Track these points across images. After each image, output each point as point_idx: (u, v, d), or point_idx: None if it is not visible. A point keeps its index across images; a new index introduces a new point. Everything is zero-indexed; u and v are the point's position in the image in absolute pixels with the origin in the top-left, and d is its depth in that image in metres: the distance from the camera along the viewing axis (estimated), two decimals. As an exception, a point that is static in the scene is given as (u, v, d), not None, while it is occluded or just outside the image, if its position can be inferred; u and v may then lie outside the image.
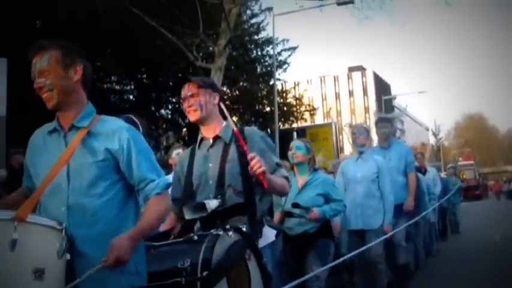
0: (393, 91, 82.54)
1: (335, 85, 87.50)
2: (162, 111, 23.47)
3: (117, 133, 2.45)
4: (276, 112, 19.55)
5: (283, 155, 7.23)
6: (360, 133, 6.18)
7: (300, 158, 5.21)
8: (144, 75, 21.78)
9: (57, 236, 2.16)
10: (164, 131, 23.59)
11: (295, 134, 21.10)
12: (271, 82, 22.01)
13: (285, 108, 24.79)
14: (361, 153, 6.17)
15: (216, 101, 3.27)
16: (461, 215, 15.31)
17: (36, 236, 2.11)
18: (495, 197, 40.81)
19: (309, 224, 5.03)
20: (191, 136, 21.22)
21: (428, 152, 42.87)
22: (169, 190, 2.68)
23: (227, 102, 23.04)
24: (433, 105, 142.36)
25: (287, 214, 5.08)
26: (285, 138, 21.22)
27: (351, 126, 6.86)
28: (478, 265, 8.45)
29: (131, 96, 22.25)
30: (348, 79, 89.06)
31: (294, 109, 25.64)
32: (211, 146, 3.24)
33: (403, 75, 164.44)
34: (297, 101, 26.43)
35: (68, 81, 2.44)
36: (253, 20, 23.43)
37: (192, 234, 2.77)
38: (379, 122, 6.97)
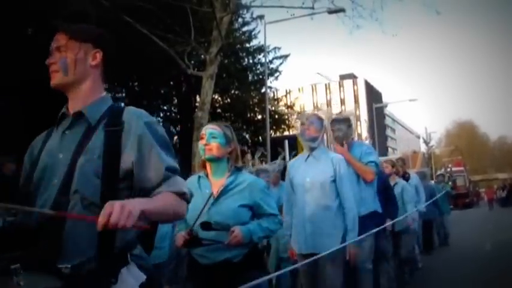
0: (384, 99, 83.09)
1: (326, 93, 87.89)
2: (154, 119, 23.51)
3: None
4: (268, 120, 19.57)
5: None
6: (310, 123, 4.64)
7: (215, 151, 3.46)
8: (136, 83, 21.80)
9: None
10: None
11: (286, 142, 21.14)
12: (263, 90, 22.09)
13: (277, 116, 24.87)
14: (312, 149, 4.62)
15: (96, 61, 2.15)
16: (450, 225, 14.29)
17: None
18: (488, 205, 37.10)
19: (231, 250, 3.37)
20: (183, 145, 21.22)
21: (420, 160, 42.91)
22: None
23: (218, 110, 23.09)
24: (424, 113, 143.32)
25: (196, 239, 3.35)
26: (277, 146, 21.28)
27: (298, 114, 4.83)
28: (469, 280, 8.17)
29: (122, 104, 22.22)
30: (340, 87, 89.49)
31: (286, 117, 25.72)
32: (69, 126, 2.10)
33: (394, 83, 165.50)
34: (289, 109, 26.52)
35: None
36: (245, 28, 23.62)
37: None
38: (333, 124, 5.62)
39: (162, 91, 22.62)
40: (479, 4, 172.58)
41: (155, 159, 2.02)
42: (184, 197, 2.05)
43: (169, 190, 2.00)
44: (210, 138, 3.47)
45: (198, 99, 17.14)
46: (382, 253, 6.26)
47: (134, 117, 2.07)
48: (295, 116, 26.54)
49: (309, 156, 4.65)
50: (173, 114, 23.90)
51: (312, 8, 15.30)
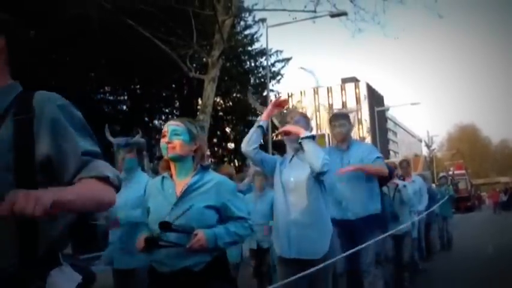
0: (386, 102, 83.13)
1: (328, 96, 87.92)
2: (155, 121, 23.53)
3: None
4: (269, 123, 19.57)
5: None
6: (295, 122, 4.30)
7: (178, 150, 3.14)
8: (138, 86, 21.83)
9: None
10: (157, 142, 23.62)
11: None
12: (265, 93, 22.09)
13: (278, 119, 24.86)
14: (297, 150, 4.27)
15: None
16: (453, 229, 13.87)
17: None
18: (492, 209, 36.96)
19: (192, 257, 3.00)
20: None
21: (421, 163, 42.89)
22: None
23: (220, 113, 23.10)
24: (426, 117, 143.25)
25: (153, 240, 3.06)
26: (278, 149, 21.33)
27: (281, 112, 4.62)
28: (472, 285, 7.98)
29: (124, 107, 22.31)
30: (341, 90, 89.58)
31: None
32: None
33: (396, 87, 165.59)
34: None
35: None
36: (247, 32, 23.64)
37: None
38: (335, 119, 5.38)
39: (164, 94, 22.64)
40: (481, 7, 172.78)
41: (72, 145, 1.79)
42: (109, 181, 1.78)
43: (89, 175, 1.75)
44: (173, 135, 3.15)
45: (200, 102, 17.15)
46: (381, 257, 6.18)
47: (45, 101, 1.82)
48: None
49: (293, 156, 4.30)
50: (175, 117, 23.91)
51: (314, 11, 15.35)
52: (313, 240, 4.03)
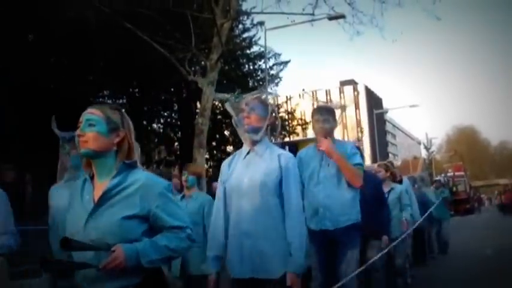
0: (385, 105, 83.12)
1: (327, 99, 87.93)
2: (154, 125, 23.53)
3: None
4: (268, 126, 19.56)
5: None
6: (250, 109, 3.57)
7: (92, 143, 2.50)
8: (136, 89, 21.83)
9: None
10: (156, 145, 23.61)
11: (287, 148, 21.13)
12: (264, 96, 22.11)
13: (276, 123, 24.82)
14: (253, 143, 3.54)
15: None
16: (449, 232, 13.36)
17: None
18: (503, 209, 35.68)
19: (115, 280, 2.40)
20: (184, 151, 21.22)
21: (420, 165, 42.88)
22: None
23: (219, 117, 23.11)
24: (425, 119, 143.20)
25: (47, 261, 2.49)
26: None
27: (235, 98, 3.68)
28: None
29: (123, 110, 22.30)
30: (340, 93, 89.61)
31: (286, 123, 25.72)
32: None
33: (394, 89, 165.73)
34: (289, 115, 26.52)
35: None
36: (245, 35, 23.64)
37: None
38: (318, 113, 4.78)
39: (163, 97, 22.65)
40: (479, 9, 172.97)
41: None
42: None
43: None
44: (86, 126, 2.50)
45: (198, 105, 17.18)
46: (374, 264, 6.10)
47: None
48: (295, 122, 26.55)
49: (249, 152, 3.55)
50: (174, 120, 23.92)
51: (312, 14, 15.34)
52: (269, 256, 3.30)
